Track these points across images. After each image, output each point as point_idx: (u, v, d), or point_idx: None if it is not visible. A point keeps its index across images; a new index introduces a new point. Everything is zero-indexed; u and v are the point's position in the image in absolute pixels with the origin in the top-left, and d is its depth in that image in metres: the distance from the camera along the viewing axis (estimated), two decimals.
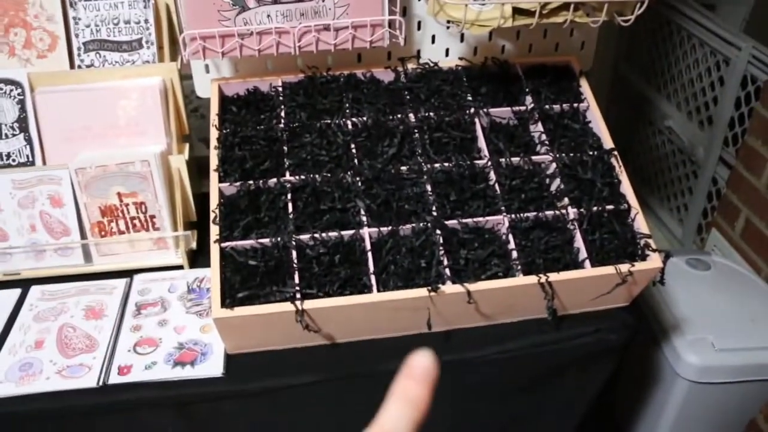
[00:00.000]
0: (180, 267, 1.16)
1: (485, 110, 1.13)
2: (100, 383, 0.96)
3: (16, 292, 1.11)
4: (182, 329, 1.05)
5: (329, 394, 1.02)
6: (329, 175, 1.04)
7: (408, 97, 1.14)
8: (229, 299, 0.93)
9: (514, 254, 0.99)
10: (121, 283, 1.13)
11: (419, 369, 0.35)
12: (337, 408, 1.04)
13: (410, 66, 1.20)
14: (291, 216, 1.00)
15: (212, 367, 0.98)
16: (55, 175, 1.10)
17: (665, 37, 2.02)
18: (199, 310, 1.08)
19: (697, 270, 1.56)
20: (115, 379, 0.96)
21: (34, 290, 1.11)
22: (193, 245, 1.17)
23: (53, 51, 1.17)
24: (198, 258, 1.18)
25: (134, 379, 0.96)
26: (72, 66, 1.17)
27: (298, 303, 0.91)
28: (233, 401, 0.98)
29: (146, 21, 1.16)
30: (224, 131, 1.09)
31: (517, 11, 1.01)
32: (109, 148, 1.14)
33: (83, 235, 1.13)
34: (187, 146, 1.20)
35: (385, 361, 1.00)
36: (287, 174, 1.04)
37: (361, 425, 0.35)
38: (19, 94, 1.12)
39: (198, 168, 1.25)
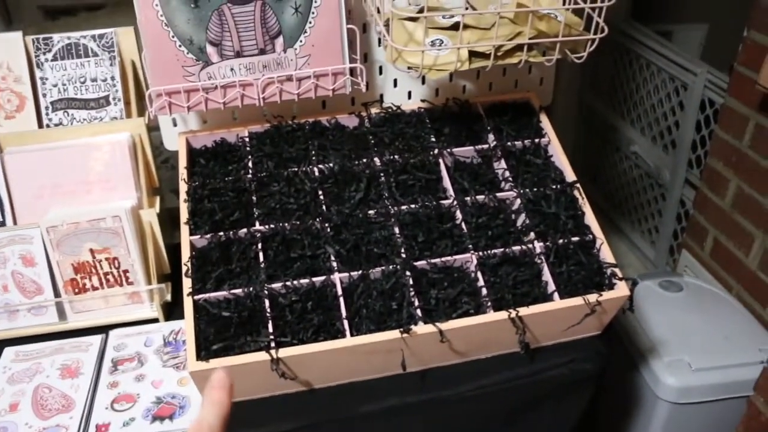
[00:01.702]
0: (156, 320, 1.16)
1: (449, 150, 1.16)
2: None
3: None
4: (160, 383, 1.05)
5: None
6: (298, 222, 1.05)
7: (373, 141, 1.17)
8: (204, 351, 0.94)
9: (484, 291, 1.01)
10: (96, 339, 1.13)
11: (219, 381, 0.49)
12: None
13: (374, 110, 1.22)
14: (262, 265, 1.01)
15: (191, 420, 0.98)
16: (27, 234, 1.11)
17: (625, 66, 2.07)
18: (177, 362, 1.08)
19: (670, 292, 1.59)
20: None
21: (8, 352, 1.11)
22: (168, 297, 1.18)
23: (21, 111, 1.18)
24: (174, 310, 1.18)
25: None
26: (40, 125, 1.18)
27: (272, 352, 0.92)
28: None
29: (113, 78, 1.18)
30: (193, 184, 1.10)
31: (473, 54, 1.04)
32: (80, 205, 1.14)
33: (56, 293, 1.13)
34: (157, 199, 1.21)
35: (363, 403, 1.01)
36: (257, 224, 1.05)
37: None
38: None
39: (170, 219, 1.26)
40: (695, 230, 1.77)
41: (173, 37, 1.04)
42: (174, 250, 1.18)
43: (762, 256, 1.53)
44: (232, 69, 1.08)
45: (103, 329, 1.14)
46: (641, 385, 1.45)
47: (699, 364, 1.39)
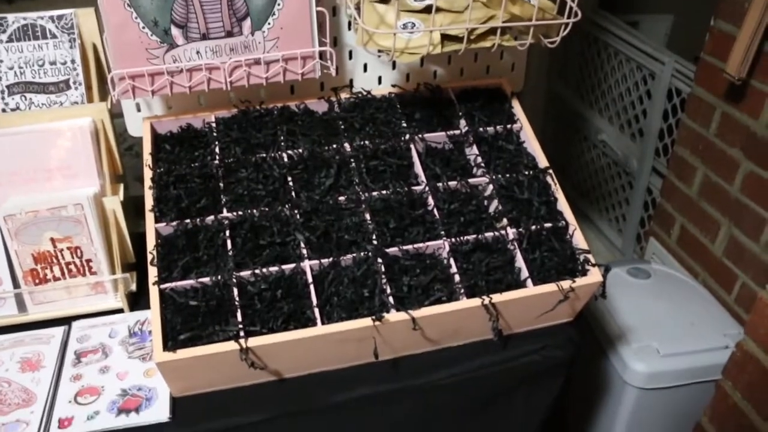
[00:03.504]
0: (120, 310, 1.13)
1: (420, 136, 1.15)
2: None
3: None
4: (125, 375, 1.02)
5: (280, 431, 1.00)
6: (267, 209, 1.03)
7: (343, 126, 1.15)
8: (171, 342, 0.91)
9: (457, 278, 1.00)
10: (58, 331, 1.09)
11: None
12: None
13: (343, 95, 1.20)
14: (230, 253, 0.99)
15: (158, 413, 0.95)
16: None
17: (593, 55, 2.08)
18: (142, 353, 1.05)
19: (638, 279, 1.60)
20: None
21: None
22: (133, 287, 1.14)
23: None
24: (139, 300, 1.15)
25: None
26: None
27: (241, 341, 0.89)
28: None
29: (73, 61, 1.14)
30: (158, 170, 1.07)
31: (446, 38, 1.02)
32: (41, 193, 1.10)
33: (16, 284, 1.09)
34: (121, 187, 1.17)
35: (334, 393, 1.00)
36: (224, 210, 1.03)
37: None
38: None
39: (135, 207, 1.22)
40: (662, 218, 1.79)
41: (136, 18, 1.01)
42: (139, 239, 1.15)
43: (727, 243, 1.55)
44: (198, 52, 1.05)
45: (66, 321, 1.11)
46: (610, 371, 1.46)
47: (666, 349, 1.40)
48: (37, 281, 1.09)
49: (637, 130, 1.92)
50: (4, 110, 1.14)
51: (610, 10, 2.05)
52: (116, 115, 1.18)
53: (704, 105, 1.58)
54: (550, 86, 2.36)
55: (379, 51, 1.02)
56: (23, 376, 1.01)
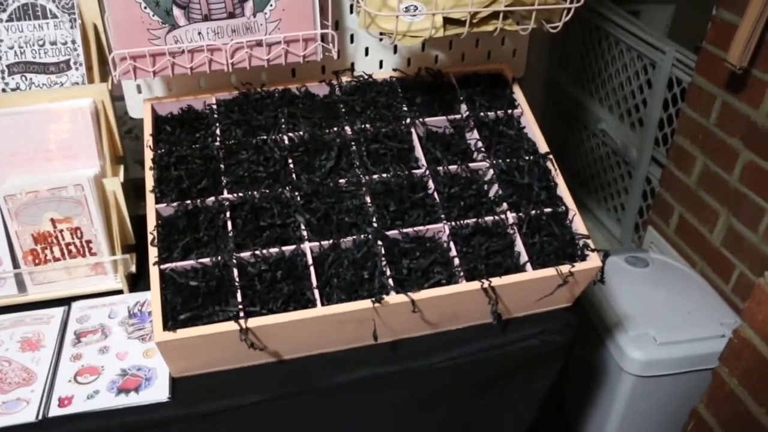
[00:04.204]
0: (120, 291, 1.13)
1: (421, 120, 1.15)
2: (40, 417, 0.92)
3: None
4: (124, 355, 1.02)
5: (279, 412, 1.01)
6: (267, 191, 1.03)
7: (344, 110, 1.15)
8: (171, 322, 0.91)
9: (456, 261, 1.00)
10: (58, 311, 1.09)
11: None
12: (287, 426, 1.03)
13: (345, 79, 1.20)
14: (231, 234, 0.99)
15: (157, 392, 0.96)
16: None
17: (594, 44, 2.08)
18: (142, 334, 1.05)
19: (636, 267, 1.60)
20: (55, 411, 0.93)
21: None
22: (133, 269, 1.14)
23: None
24: (138, 281, 1.15)
25: (76, 410, 0.93)
26: None
27: (241, 321, 0.90)
28: (181, 426, 0.96)
29: (73, 42, 1.14)
30: (159, 151, 1.07)
31: (448, 21, 1.02)
32: (41, 174, 1.10)
33: (16, 264, 1.09)
34: (121, 168, 1.17)
35: (333, 374, 1.00)
36: (225, 192, 1.03)
37: None
38: None
39: (135, 190, 1.22)
40: (661, 207, 1.79)
41: None
42: (139, 222, 1.15)
43: (726, 232, 1.56)
44: (199, 33, 1.05)
45: (65, 301, 1.11)
46: (607, 358, 1.46)
47: (663, 338, 1.41)
48: (36, 261, 1.09)
49: (637, 120, 1.92)
50: (4, 90, 1.13)
51: None
52: (116, 98, 1.18)
53: (705, 94, 1.58)
54: (550, 75, 2.36)
55: (381, 34, 1.02)
56: (23, 356, 1.01)
